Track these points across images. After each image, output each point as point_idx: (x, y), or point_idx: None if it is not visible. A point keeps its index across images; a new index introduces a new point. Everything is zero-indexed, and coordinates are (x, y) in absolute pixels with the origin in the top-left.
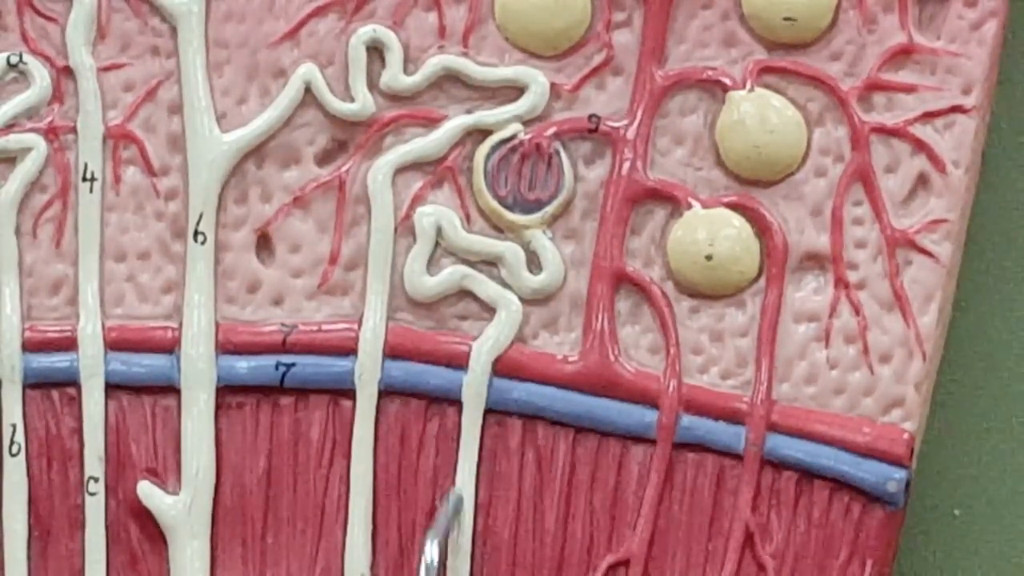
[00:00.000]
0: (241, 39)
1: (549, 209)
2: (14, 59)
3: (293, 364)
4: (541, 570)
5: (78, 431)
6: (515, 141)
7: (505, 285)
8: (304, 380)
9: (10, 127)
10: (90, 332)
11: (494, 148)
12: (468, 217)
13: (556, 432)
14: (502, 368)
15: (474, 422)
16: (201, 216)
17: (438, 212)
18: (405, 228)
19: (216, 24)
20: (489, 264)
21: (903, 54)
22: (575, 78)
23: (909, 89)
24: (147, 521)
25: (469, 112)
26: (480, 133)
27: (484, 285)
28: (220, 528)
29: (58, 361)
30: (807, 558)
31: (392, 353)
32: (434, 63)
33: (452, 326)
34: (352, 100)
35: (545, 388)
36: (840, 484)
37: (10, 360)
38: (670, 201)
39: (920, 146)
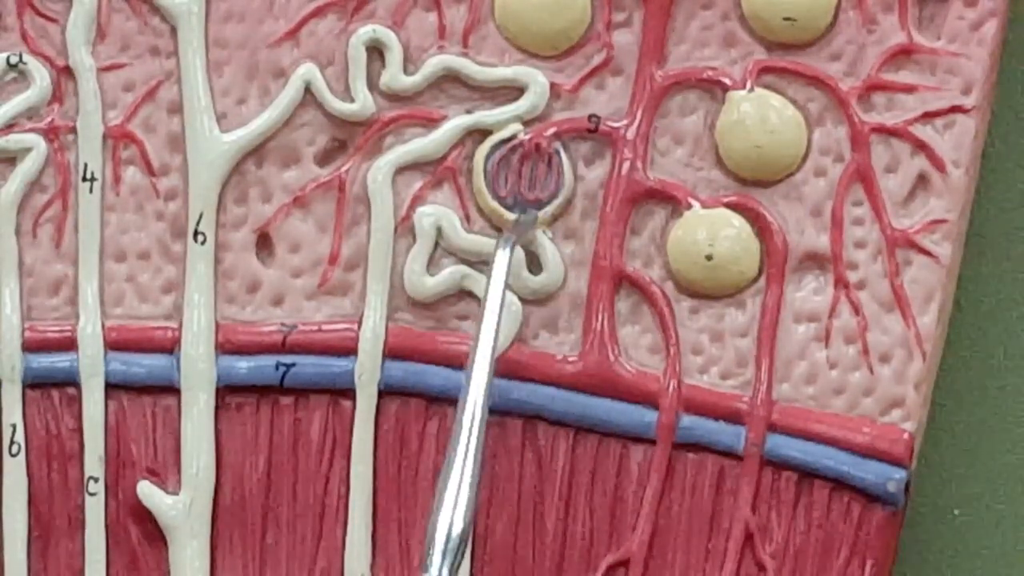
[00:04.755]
0: (241, 39)
1: (549, 209)
2: (14, 59)
3: (293, 364)
4: (541, 570)
5: (78, 431)
6: (515, 141)
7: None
8: (304, 380)
9: (10, 127)
10: (90, 332)
11: (494, 148)
12: (468, 217)
13: (556, 432)
14: (502, 368)
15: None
16: (201, 216)
17: (438, 212)
18: (405, 228)
19: (216, 24)
20: (489, 264)
21: (903, 54)
22: (575, 78)
23: (909, 89)
24: (147, 521)
25: (469, 112)
26: (480, 133)
27: (484, 285)
28: (220, 528)
29: (58, 361)
30: (807, 558)
31: (392, 353)
32: (434, 63)
33: (452, 326)
34: (352, 100)
35: (545, 388)
36: (840, 484)
37: (10, 360)
38: (670, 201)
39: (920, 146)
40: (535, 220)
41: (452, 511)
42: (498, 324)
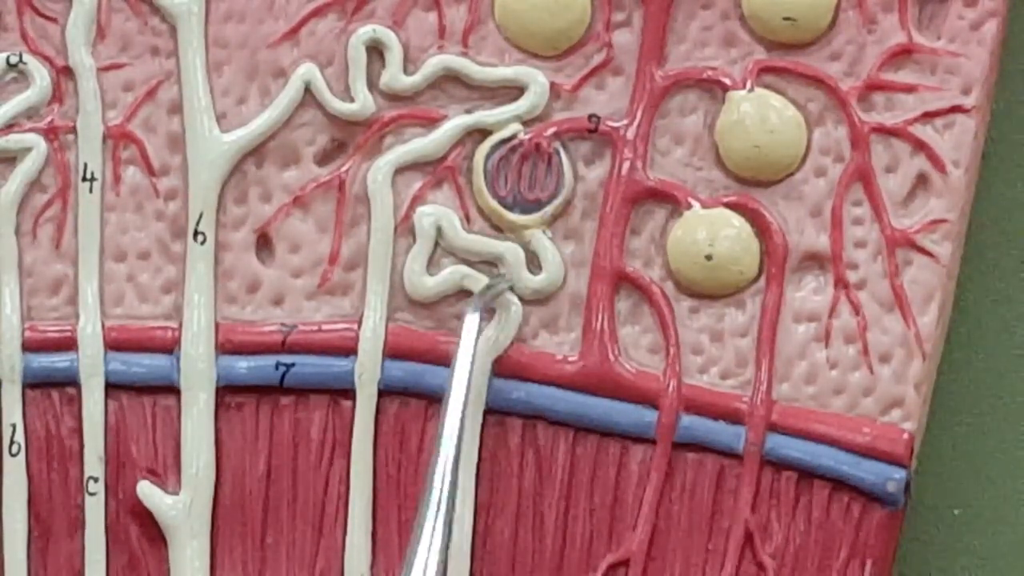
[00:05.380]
0: (241, 39)
1: (549, 209)
2: (14, 59)
3: (293, 364)
4: (541, 570)
5: (78, 431)
6: (515, 141)
7: None
8: (304, 380)
9: (10, 127)
10: (90, 332)
11: (494, 148)
12: (468, 217)
13: (556, 432)
14: (502, 368)
15: (474, 422)
16: (201, 216)
17: (438, 212)
18: (405, 228)
19: (216, 24)
20: (489, 264)
21: (903, 54)
22: (575, 78)
23: (909, 89)
24: (147, 521)
25: (469, 112)
26: (480, 133)
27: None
28: (220, 528)
29: (58, 361)
30: (807, 558)
31: (392, 353)
32: (434, 63)
33: (452, 326)
34: (352, 100)
35: (545, 388)
36: (840, 484)
37: (10, 360)
38: (670, 201)
39: (920, 146)
40: (505, 285)
41: None
42: (468, 394)
